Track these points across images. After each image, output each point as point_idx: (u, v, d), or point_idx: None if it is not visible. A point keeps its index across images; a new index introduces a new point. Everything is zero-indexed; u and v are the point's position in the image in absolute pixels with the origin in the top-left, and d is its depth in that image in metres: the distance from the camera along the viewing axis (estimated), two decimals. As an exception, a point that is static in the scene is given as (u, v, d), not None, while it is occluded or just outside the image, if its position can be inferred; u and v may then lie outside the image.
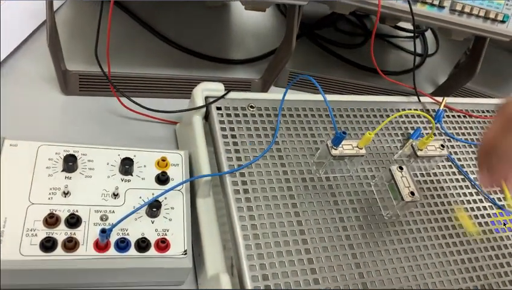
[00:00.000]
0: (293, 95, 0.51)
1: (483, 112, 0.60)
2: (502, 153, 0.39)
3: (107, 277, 0.39)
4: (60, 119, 0.52)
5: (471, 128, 0.58)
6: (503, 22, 0.56)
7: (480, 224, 0.49)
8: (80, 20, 0.63)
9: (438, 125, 0.56)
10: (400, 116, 0.55)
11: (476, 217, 0.49)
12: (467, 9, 0.54)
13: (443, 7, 0.54)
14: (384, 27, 0.87)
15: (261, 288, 0.37)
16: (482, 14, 0.55)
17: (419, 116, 0.55)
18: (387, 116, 0.54)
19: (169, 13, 0.71)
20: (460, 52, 0.71)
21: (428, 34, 0.91)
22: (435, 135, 0.54)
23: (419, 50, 0.87)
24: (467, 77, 0.68)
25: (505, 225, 0.50)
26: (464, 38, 0.62)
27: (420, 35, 0.89)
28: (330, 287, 0.39)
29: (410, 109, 0.56)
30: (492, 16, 0.55)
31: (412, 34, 0.88)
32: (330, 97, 0.53)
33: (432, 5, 0.53)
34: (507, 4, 0.55)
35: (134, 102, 0.50)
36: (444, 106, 0.57)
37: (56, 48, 0.50)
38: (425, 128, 0.55)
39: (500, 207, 0.51)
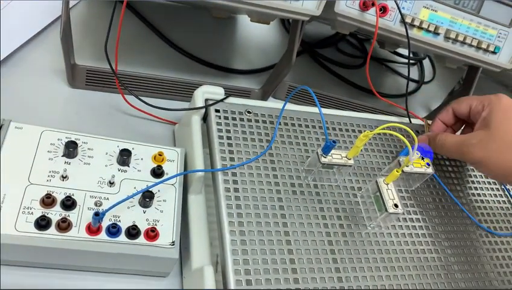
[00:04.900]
0: (289, 106, 0.53)
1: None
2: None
3: (96, 261, 0.41)
4: (64, 110, 0.54)
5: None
6: (494, 52, 0.59)
7: (460, 243, 0.50)
8: (93, 19, 0.65)
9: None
10: (391, 135, 0.57)
11: (457, 234, 0.51)
12: (460, 38, 0.57)
13: (438, 34, 0.57)
14: (384, 53, 0.90)
15: (243, 282, 0.38)
16: (474, 43, 0.58)
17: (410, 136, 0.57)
18: (379, 134, 0.57)
19: (178, 20, 0.74)
20: (456, 81, 0.74)
21: (426, 62, 0.94)
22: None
23: (416, 77, 0.90)
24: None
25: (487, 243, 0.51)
26: (457, 66, 0.65)
27: (418, 63, 0.92)
28: (309, 287, 0.40)
29: (395, 122, 0.58)
30: (484, 46, 0.58)
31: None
32: (325, 111, 0.56)
33: (428, 31, 0.56)
34: (499, 36, 0.58)
35: (138, 98, 0.52)
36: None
37: (68, 42, 0.52)
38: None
39: (484, 228, 0.53)
